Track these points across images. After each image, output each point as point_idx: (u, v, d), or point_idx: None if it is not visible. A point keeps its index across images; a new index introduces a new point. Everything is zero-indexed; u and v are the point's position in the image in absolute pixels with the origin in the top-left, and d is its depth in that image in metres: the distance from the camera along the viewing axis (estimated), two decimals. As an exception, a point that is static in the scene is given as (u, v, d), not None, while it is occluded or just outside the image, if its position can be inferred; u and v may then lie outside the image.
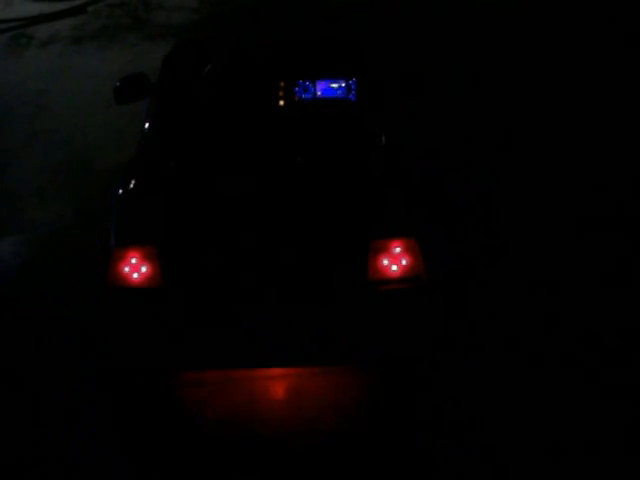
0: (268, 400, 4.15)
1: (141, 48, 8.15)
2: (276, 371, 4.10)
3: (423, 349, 3.89)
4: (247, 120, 4.21)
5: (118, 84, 4.98)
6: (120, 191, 4.06)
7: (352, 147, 4.15)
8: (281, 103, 4.24)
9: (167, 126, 4.29)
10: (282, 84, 4.25)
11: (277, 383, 4.18)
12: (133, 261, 3.76)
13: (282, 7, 8.91)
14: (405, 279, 3.80)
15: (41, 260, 5.25)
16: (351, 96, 4.31)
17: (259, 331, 3.77)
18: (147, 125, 4.36)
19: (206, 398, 4.05)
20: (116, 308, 3.80)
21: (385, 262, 3.77)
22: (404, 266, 3.78)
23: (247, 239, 3.75)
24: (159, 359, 3.85)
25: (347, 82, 4.31)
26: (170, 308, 3.77)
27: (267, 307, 3.77)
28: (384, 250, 3.76)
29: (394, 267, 3.78)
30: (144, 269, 3.75)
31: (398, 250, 3.77)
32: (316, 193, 3.88)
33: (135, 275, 3.76)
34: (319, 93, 4.27)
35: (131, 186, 4.03)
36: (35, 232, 5.51)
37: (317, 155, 4.09)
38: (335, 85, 4.29)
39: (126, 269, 3.76)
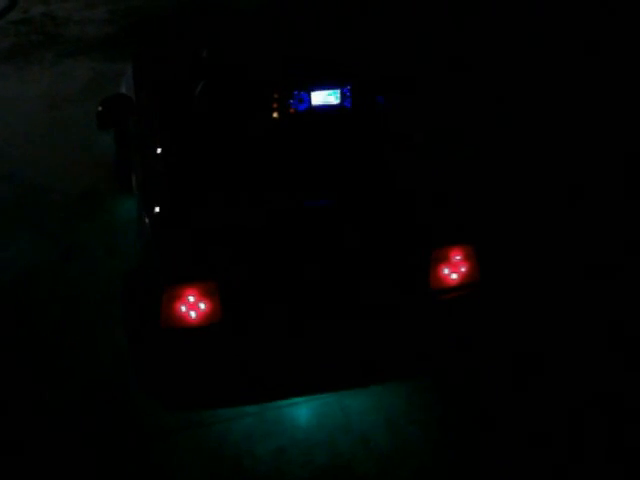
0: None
1: (64, 67, 7.67)
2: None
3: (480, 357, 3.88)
4: (292, 139, 4.03)
5: (100, 108, 4.64)
6: (151, 221, 3.79)
7: (404, 156, 4.08)
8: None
9: (190, 146, 4.04)
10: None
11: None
12: (191, 299, 3.52)
13: (194, 15, 8.67)
14: (463, 286, 3.78)
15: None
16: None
17: (330, 354, 3.64)
18: (156, 146, 4.10)
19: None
20: (174, 351, 3.55)
21: (446, 271, 3.74)
22: (463, 273, 3.76)
23: (310, 263, 3.60)
24: (229, 396, 3.64)
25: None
26: (235, 343, 3.58)
27: (337, 329, 3.65)
28: (445, 259, 3.72)
29: (454, 275, 3.75)
30: (203, 306, 3.52)
31: (458, 258, 3.74)
32: (374, 207, 3.78)
33: (193, 314, 3.53)
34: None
35: (167, 215, 3.76)
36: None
37: (372, 168, 3.98)
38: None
39: (183, 308, 3.52)
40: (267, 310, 3.59)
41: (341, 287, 3.64)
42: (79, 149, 6.11)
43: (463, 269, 3.76)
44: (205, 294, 3.49)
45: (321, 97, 4.08)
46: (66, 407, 4.00)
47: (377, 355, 3.72)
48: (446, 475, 3.74)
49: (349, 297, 3.65)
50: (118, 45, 8.03)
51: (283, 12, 6.19)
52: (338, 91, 4.08)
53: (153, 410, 3.86)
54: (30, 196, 5.60)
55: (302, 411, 3.99)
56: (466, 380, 4.16)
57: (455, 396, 4.11)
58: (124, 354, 3.94)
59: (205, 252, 3.58)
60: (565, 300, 4.67)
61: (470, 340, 3.88)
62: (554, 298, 4.68)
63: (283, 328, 3.61)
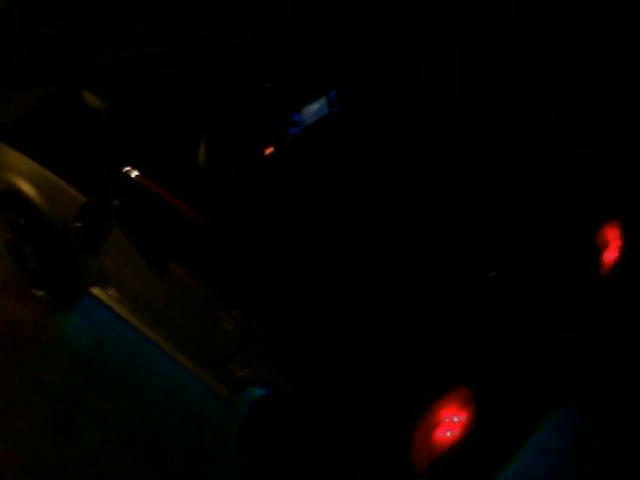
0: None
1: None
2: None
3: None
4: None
5: (79, 224, 3.42)
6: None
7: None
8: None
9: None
10: None
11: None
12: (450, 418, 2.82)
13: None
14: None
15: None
16: None
17: None
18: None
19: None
20: None
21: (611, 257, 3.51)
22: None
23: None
24: None
25: None
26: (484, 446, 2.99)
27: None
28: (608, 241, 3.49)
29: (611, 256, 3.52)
30: (457, 419, 2.84)
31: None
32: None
33: (449, 433, 2.85)
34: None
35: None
36: None
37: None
38: None
39: (441, 433, 2.81)
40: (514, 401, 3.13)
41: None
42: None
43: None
44: (461, 404, 2.85)
45: (310, 112, 3.65)
46: None
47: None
48: None
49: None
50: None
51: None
52: (324, 99, 3.68)
53: None
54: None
55: None
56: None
57: None
58: None
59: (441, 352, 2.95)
60: None
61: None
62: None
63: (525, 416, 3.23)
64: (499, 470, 3.18)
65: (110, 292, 3.92)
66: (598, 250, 3.43)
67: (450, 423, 2.80)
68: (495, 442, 3.09)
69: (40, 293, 4.37)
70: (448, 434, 2.81)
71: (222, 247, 3.24)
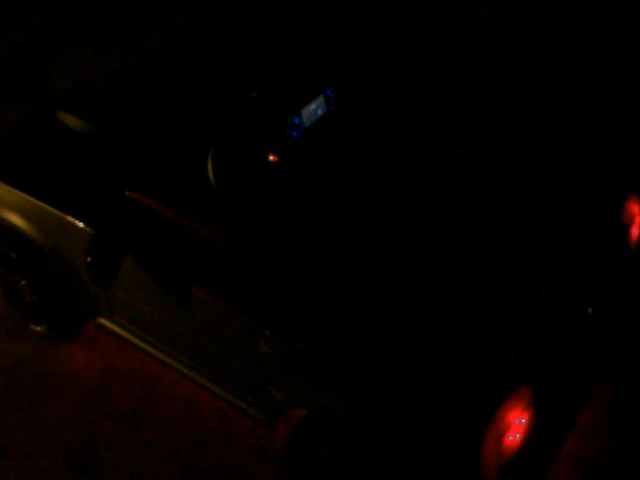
0: None
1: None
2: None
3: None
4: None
5: (89, 259, 3.19)
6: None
7: None
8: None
9: None
10: None
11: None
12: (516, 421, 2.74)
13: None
14: None
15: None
16: None
17: None
18: None
19: None
20: None
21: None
22: None
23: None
24: None
25: None
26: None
27: None
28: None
29: None
30: (521, 421, 2.75)
31: None
32: None
33: (515, 436, 2.75)
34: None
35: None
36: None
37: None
38: None
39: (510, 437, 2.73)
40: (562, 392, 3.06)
41: None
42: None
43: None
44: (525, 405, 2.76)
45: (309, 113, 3.51)
46: None
47: None
48: None
49: None
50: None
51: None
52: (321, 98, 3.54)
53: None
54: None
55: None
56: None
57: None
58: None
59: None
60: None
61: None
62: None
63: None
64: (553, 463, 3.11)
65: (121, 322, 3.72)
66: (625, 227, 3.36)
67: (516, 425, 2.71)
68: (548, 436, 3.01)
69: (39, 328, 4.14)
70: (515, 437, 2.71)
71: (248, 265, 3.07)
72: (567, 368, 3.05)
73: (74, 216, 3.50)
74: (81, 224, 3.46)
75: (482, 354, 2.78)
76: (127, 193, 3.19)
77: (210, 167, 3.11)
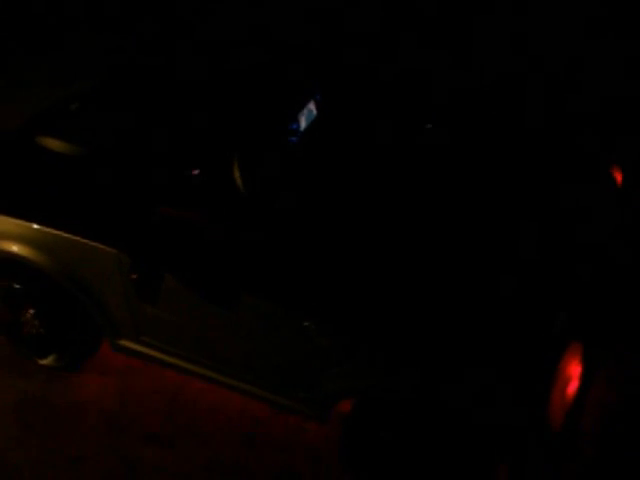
0: None
1: None
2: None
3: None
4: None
5: (134, 277, 3.23)
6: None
7: None
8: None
9: None
10: None
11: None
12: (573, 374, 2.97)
13: None
14: None
15: None
16: None
17: None
18: None
19: None
20: None
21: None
22: None
23: None
24: None
25: None
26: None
27: None
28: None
29: None
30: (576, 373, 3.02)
31: None
32: None
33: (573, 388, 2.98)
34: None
35: None
36: None
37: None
38: None
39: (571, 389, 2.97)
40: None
41: None
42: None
43: None
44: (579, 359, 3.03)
45: (304, 118, 3.60)
46: None
47: None
48: None
49: None
50: None
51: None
52: (312, 102, 3.65)
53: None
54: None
55: None
56: None
57: None
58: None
59: None
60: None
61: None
62: None
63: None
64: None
65: (148, 341, 3.65)
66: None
67: (573, 378, 2.93)
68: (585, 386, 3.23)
69: (46, 361, 3.99)
70: (573, 388, 2.94)
71: (295, 263, 3.13)
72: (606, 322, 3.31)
73: (88, 237, 3.43)
74: (96, 244, 3.40)
75: (538, 318, 2.97)
76: (160, 209, 3.16)
77: (237, 173, 3.14)
